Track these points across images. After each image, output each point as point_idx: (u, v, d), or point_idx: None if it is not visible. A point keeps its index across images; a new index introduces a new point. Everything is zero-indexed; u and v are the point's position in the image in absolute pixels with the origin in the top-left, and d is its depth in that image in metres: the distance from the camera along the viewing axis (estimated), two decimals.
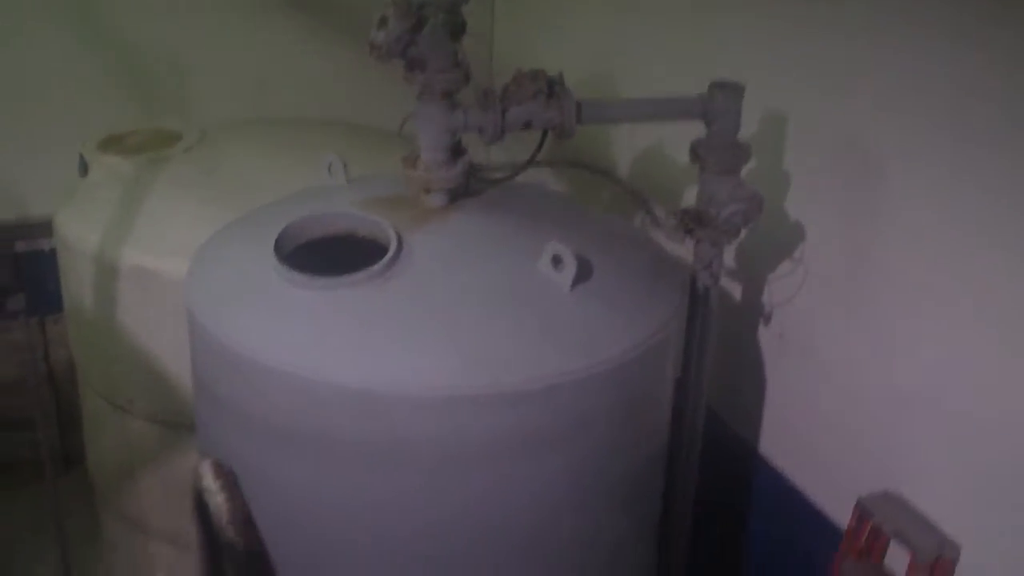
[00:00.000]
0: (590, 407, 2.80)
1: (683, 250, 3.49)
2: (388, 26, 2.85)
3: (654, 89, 3.37)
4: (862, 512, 3.20)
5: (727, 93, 3.16)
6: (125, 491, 4.27)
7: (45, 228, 4.55)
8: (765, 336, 3.76)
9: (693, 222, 3.26)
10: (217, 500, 2.79)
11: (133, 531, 4.28)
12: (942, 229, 3.01)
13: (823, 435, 3.54)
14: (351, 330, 2.72)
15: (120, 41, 5.12)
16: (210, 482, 2.81)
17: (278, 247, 2.90)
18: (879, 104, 3.16)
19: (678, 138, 3.37)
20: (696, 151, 3.24)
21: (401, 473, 2.73)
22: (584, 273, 2.88)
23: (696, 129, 3.21)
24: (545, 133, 3.16)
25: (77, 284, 4.07)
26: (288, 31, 5.35)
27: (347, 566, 2.89)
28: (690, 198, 3.44)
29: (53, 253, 4.34)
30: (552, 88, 3.04)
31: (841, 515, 3.36)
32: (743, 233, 3.28)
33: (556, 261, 2.85)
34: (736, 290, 3.86)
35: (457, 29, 2.95)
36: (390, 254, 2.82)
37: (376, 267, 2.79)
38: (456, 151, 3.07)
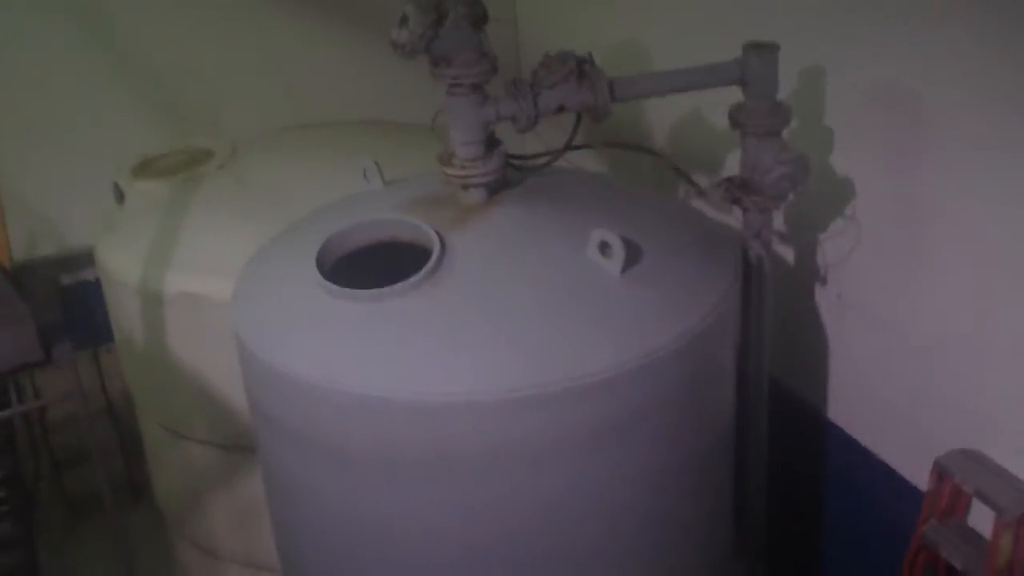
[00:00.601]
0: (654, 392, 2.74)
1: (731, 218, 3.42)
2: (409, 23, 2.80)
3: (686, 55, 3.28)
4: (941, 472, 3.12)
5: (762, 54, 3.08)
6: (194, 518, 4.25)
7: (89, 259, 4.54)
8: (823, 298, 3.68)
9: (739, 191, 3.20)
10: None
11: (205, 557, 4.27)
12: (996, 168, 2.91)
13: (893, 394, 3.45)
14: (401, 340, 2.67)
15: (143, 62, 5.09)
16: None
17: (320, 262, 2.85)
18: (921, 46, 3.06)
19: (714, 104, 3.30)
20: (736, 117, 3.16)
21: (471, 482, 2.68)
22: (633, 257, 2.82)
23: (732, 92, 3.13)
24: (579, 115, 3.09)
25: (124, 315, 4.05)
26: (310, 34, 5.30)
27: None
28: (732, 165, 3.37)
29: (98, 284, 4.33)
30: (582, 69, 2.98)
31: (919, 476, 3.28)
32: (791, 196, 3.20)
33: (604, 248, 2.79)
34: (789, 254, 3.78)
35: (479, 19, 2.88)
36: (434, 258, 2.77)
37: (420, 274, 2.73)
38: (491, 143, 3.01)
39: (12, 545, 4.02)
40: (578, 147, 3.21)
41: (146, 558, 4.54)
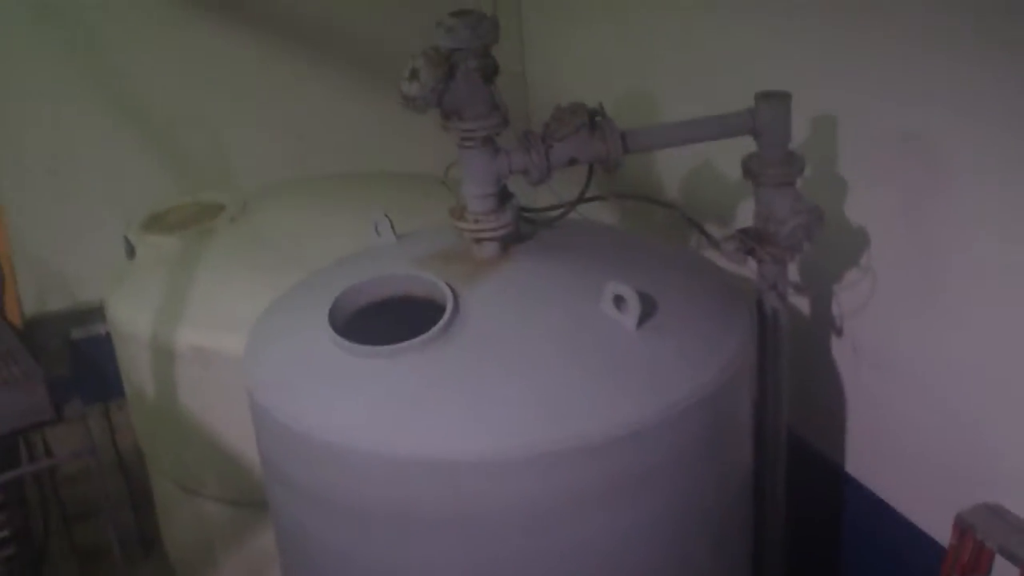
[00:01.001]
0: (673, 446, 2.70)
1: (745, 269, 3.39)
2: (420, 77, 2.78)
3: (696, 104, 3.27)
4: (963, 527, 3.06)
5: (774, 103, 3.06)
6: (205, 572, 4.21)
7: (99, 313, 4.53)
8: (839, 349, 3.64)
9: (753, 242, 3.17)
10: None
11: None
12: (1015, 215, 2.87)
13: (913, 447, 3.40)
14: (416, 397, 2.63)
15: (153, 115, 5.12)
16: None
17: (333, 317, 2.82)
18: (936, 92, 3.04)
19: (726, 153, 3.28)
20: (749, 167, 3.14)
21: (488, 539, 2.64)
22: (648, 310, 2.79)
23: (744, 141, 3.11)
24: (591, 167, 3.07)
25: (135, 369, 4.03)
26: (320, 85, 5.32)
27: None
28: (744, 214, 3.35)
29: (109, 338, 4.31)
30: (594, 120, 2.96)
31: (940, 531, 3.22)
32: (805, 247, 3.18)
33: (618, 301, 2.76)
34: (804, 305, 3.74)
35: (490, 72, 2.87)
36: (447, 315, 2.74)
37: (433, 331, 2.70)
38: (503, 196, 2.99)
39: None
40: (591, 199, 3.19)
41: None
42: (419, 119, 2.97)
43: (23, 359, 3.29)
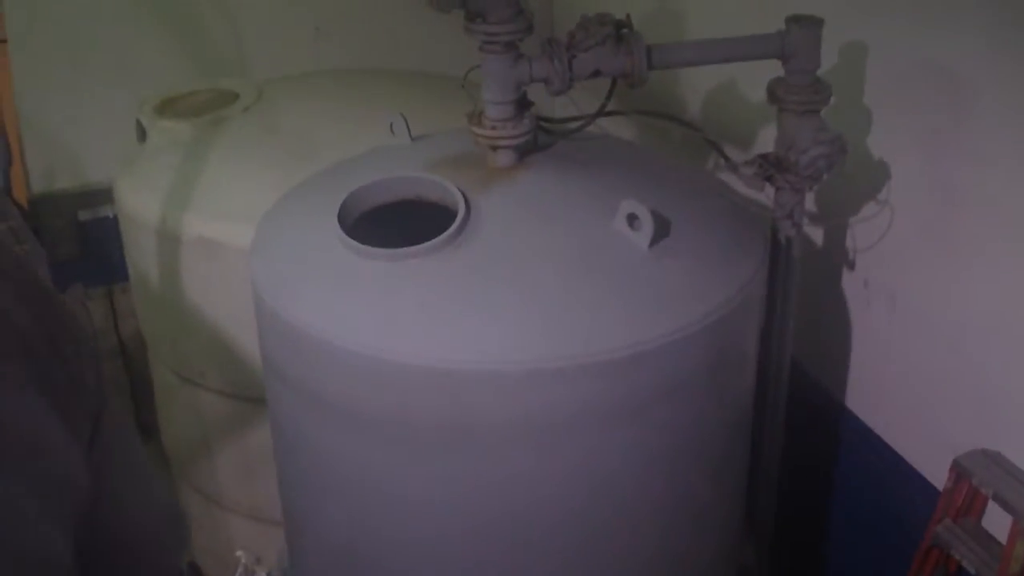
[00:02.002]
0: (677, 371, 2.68)
1: (761, 196, 3.34)
2: None
3: (722, 25, 3.20)
4: (959, 472, 3.05)
5: (805, 28, 2.98)
6: (201, 465, 4.22)
7: (107, 195, 4.49)
8: (849, 283, 3.60)
9: (773, 168, 3.12)
10: None
11: (209, 504, 4.24)
12: None
13: (915, 387, 3.38)
14: (422, 304, 2.61)
15: None
16: None
17: (342, 216, 2.78)
18: (968, 27, 2.96)
19: (751, 76, 3.21)
20: (774, 92, 3.07)
21: (481, 452, 2.63)
22: (662, 230, 2.74)
23: (770, 66, 3.05)
24: (614, 81, 3.01)
25: (140, 255, 4.00)
26: None
27: (426, 550, 2.81)
28: (764, 140, 3.29)
29: (116, 220, 4.28)
30: (620, 32, 2.89)
31: (936, 474, 3.22)
32: (825, 177, 3.12)
33: (632, 219, 2.72)
34: (817, 235, 3.70)
35: None
36: (458, 220, 2.70)
37: (444, 236, 2.66)
38: (522, 105, 2.93)
39: None
40: (611, 113, 3.13)
41: None
42: (441, 19, 2.91)
43: (27, 239, 3.25)
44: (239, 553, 3.76)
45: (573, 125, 3.14)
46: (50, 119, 4.93)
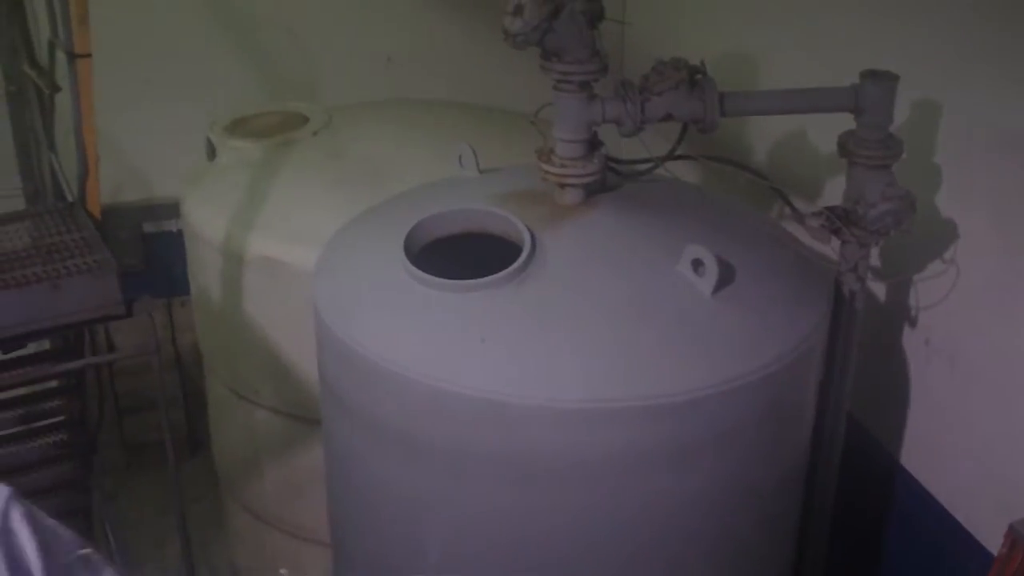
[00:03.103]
0: (734, 419, 2.67)
1: (826, 247, 3.33)
2: (524, 14, 2.74)
3: (795, 75, 3.19)
4: (1015, 539, 3.00)
5: (880, 83, 2.98)
6: (249, 482, 4.25)
7: (171, 209, 4.55)
8: (910, 341, 3.57)
9: (840, 222, 3.10)
10: None
11: (254, 520, 4.27)
12: None
13: (972, 449, 3.34)
14: (482, 336, 2.62)
15: (246, 18, 5.08)
16: None
17: (408, 245, 2.81)
18: None
19: (820, 126, 3.20)
20: (845, 145, 3.07)
21: (533, 486, 2.63)
22: (726, 277, 2.74)
23: (840, 118, 3.04)
24: (685, 125, 3.02)
25: (203, 271, 4.04)
26: (417, 5, 5.25)
27: None
28: (831, 191, 3.28)
29: (180, 235, 4.33)
30: (694, 78, 2.90)
31: (991, 539, 3.16)
32: (893, 233, 3.10)
33: (696, 265, 2.72)
34: (880, 290, 3.67)
35: (595, 16, 2.82)
36: (524, 256, 2.71)
37: (509, 270, 2.68)
38: (592, 144, 2.95)
39: (73, 487, 4.04)
40: (679, 157, 3.13)
41: (195, 512, 4.55)
42: (511, 54, 2.93)
43: (100, 250, 3.28)
44: (283, 571, 3.78)
45: (642, 167, 3.14)
46: (121, 133, 5.00)
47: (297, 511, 4.06)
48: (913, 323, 3.53)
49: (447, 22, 5.27)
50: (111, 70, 4.86)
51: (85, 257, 3.25)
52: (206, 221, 3.95)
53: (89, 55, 3.19)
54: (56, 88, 3.54)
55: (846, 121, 3.05)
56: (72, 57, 3.21)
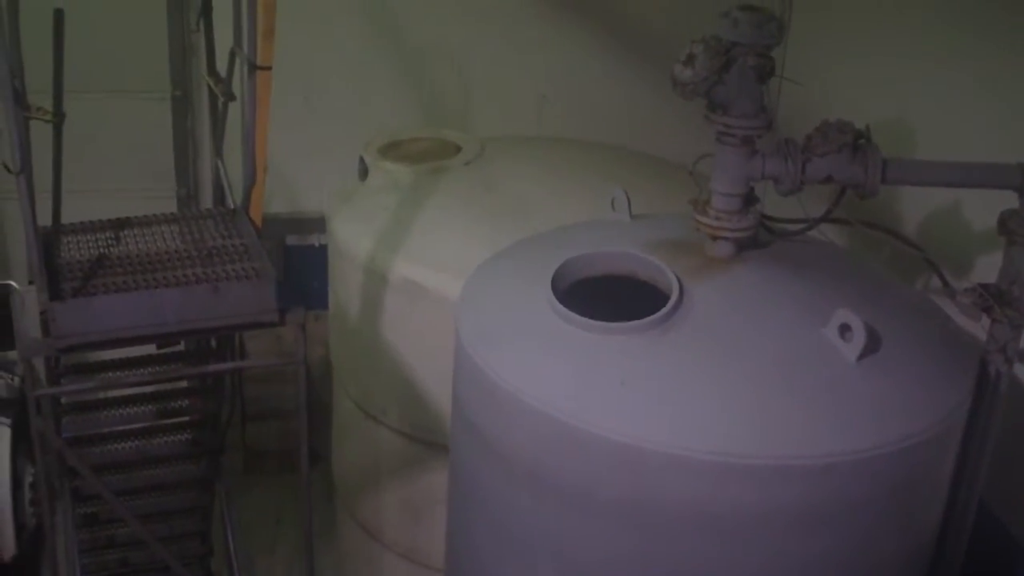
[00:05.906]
0: (866, 488, 2.63)
1: (974, 325, 3.26)
2: (695, 64, 2.75)
3: (952, 147, 3.14)
4: None
5: None
6: (367, 499, 4.29)
7: (314, 224, 4.64)
8: None
9: (993, 300, 3.03)
10: None
11: (368, 538, 4.31)
12: None
13: None
14: (622, 379, 2.62)
15: (406, 45, 5.18)
16: None
17: (555, 282, 2.83)
18: None
19: (979, 201, 3.14)
20: (1006, 223, 3.00)
21: (656, 534, 2.62)
22: (872, 345, 2.70)
23: (1001, 194, 2.98)
24: (843, 189, 2.99)
25: (344, 288, 4.11)
26: (574, 46, 5.29)
27: None
28: (982, 268, 3.21)
29: (320, 250, 4.41)
30: (858, 143, 2.88)
31: None
32: None
33: (844, 330, 2.69)
34: (1022, 373, 3.57)
35: (765, 72, 2.82)
36: (671, 304, 2.71)
37: (656, 316, 2.68)
38: (749, 199, 2.94)
39: (199, 485, 4.12)
40: (834, 220, 3.11)
41: None
42: (669, 101, 2.93)
43: (260, 258, 3.35)
44: None
45: (796, 227, 3.12)
46: (272, 145, 5.13)
47: (412, 533, 4.09)
48: None
49: (601, 64, 5.30)
50: (275, 83, 5.03)
51: (244, 263, 3.32)
52: (352, 239, 4.03)
53: (270, 67, 3.27)
54: (232, 97, 3.63)
55: (1006, 197, 2.99)
56: (253, 68, 3.30)
